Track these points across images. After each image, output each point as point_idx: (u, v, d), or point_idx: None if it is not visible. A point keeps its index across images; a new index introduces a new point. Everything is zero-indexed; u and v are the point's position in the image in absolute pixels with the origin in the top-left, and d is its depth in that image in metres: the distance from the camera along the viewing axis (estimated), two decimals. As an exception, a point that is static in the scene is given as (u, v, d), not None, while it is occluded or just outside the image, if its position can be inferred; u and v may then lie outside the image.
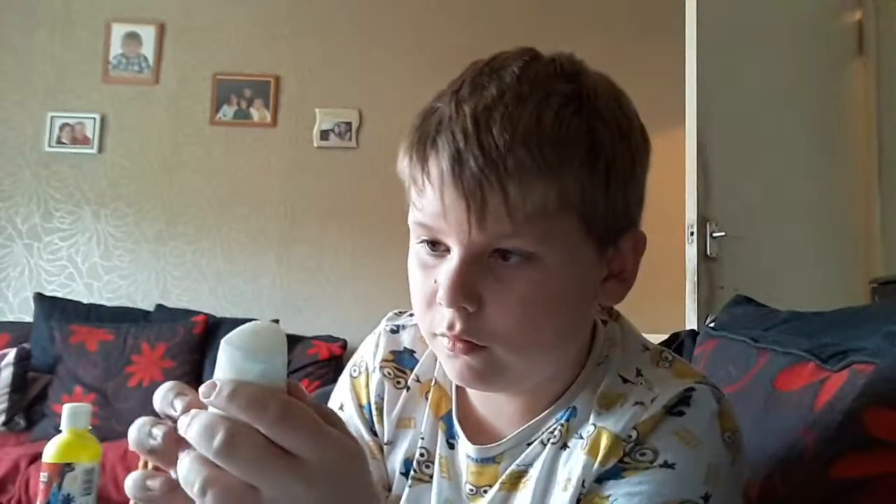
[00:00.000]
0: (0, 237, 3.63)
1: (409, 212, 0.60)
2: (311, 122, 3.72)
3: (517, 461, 0.63)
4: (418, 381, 0.70)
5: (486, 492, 0.64)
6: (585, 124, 0.56)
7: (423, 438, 0.68)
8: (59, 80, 3.72)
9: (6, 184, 3.66)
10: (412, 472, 0.68)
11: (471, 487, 0.64)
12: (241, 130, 3.72)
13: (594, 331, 0.65)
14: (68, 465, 0.87)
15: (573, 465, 0.59)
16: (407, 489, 0.68)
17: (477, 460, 0.64)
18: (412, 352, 0.72)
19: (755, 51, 2.26)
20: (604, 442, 0.58)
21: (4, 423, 2.98)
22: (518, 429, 0.63)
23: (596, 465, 0.57)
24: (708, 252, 2.08)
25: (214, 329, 3.31)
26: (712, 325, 1.11)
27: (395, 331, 0.73)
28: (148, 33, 3.75)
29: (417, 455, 0.68)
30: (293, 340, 3.34)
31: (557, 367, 0.62)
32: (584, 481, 0.57)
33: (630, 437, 0.57)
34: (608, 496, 0.56)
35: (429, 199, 0.56)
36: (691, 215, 2.08)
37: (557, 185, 0.54)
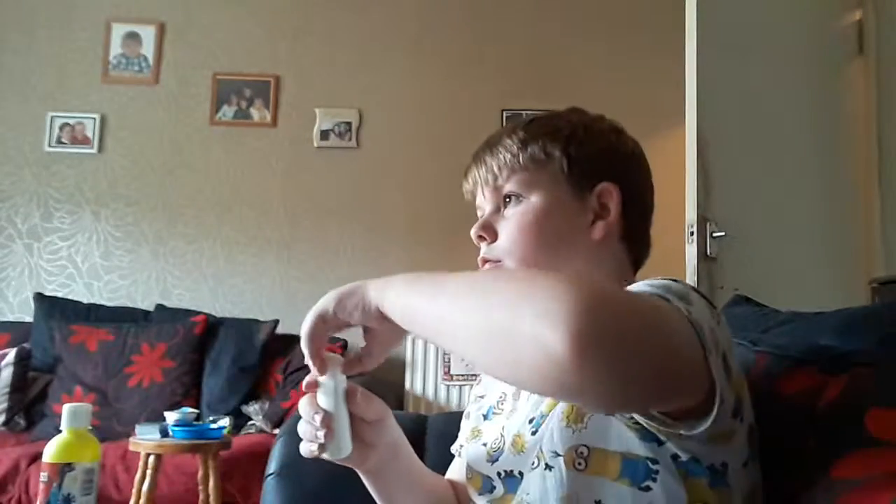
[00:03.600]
0: (0, 237, 3.63)
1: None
2: (311, 122, 3.72)
3: None
4: None
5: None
6: (551, 121, 0.87)
7: (498, 398, 0.90)
8: (59, 80, 3.72)
9: (6, 184, 3.66)
10: (493, 411, 0.90)
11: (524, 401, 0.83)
12: (241, 130, 3.73)
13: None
14: (68, 465, 0.86)
15: None
16: (489, 424, 0.89)
17: None
18: None
19: (755, 51, 2.26)
20: None
21: (4, 423, 2.98)
22: None
23: None
24: (708, 252, 2.07)
25: (214, 329, 3.31)
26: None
27: None
28: (148, 33, 3.75)
29: (497, 397, 0.91)
30: (293, 340, 3.34)
31: None
32: None
33: None
34: None
35: (478, 189, 0.89)
36: (691, 215, 2.08)
37: (528, 151, 0.85)
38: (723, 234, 2.08)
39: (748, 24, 2.25)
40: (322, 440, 0.72)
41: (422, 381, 3.41)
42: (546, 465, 0.71)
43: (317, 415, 0.72)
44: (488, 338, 0.54)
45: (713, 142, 2.10)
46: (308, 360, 0.72)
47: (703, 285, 2.07)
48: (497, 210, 0.86)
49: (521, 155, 0.84)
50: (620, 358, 0.50)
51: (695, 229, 2.06)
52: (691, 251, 2.07)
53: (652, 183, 0.90)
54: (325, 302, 0.71)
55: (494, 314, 0.54)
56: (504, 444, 0.79)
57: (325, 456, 0.74)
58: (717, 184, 2.11)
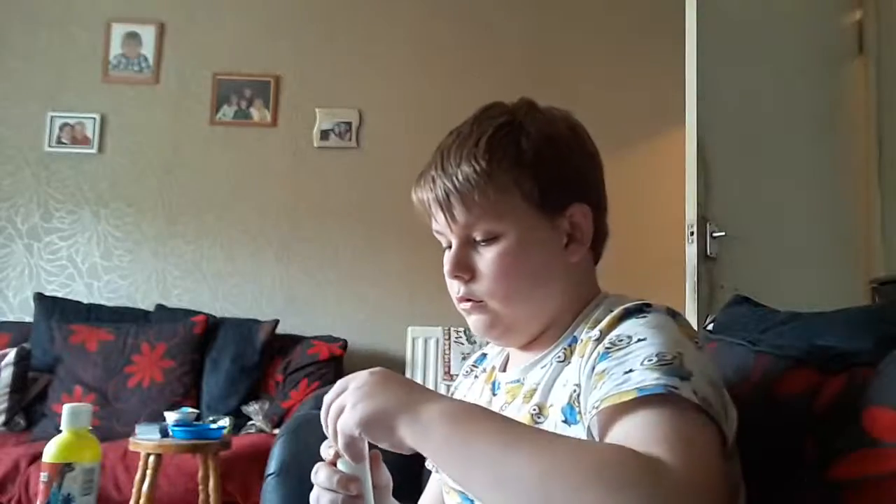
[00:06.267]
0: (0, 237, 3.63)
1: None
2: (311, 122, 3.72)
3: (532, 380, 0.82)
4: (484, 370, 0.95)
5: (510, 403, 0.83)
6: (511, 139, 0.81)
7: (475, 400, 0.89)
8: (59, 80, 3.72)
9: (6, 184, 3.66)
10: None
11: (503, 404, 0.84)
12: (241, 130, 3.73)
13: (597, 293, 0.87)
14: (68, 465, 0.86)
15: (572, 370, 0.76)
16: None
17: (509, 382, 0.86)
18: (485, 354, 0.99)
19: (755, 51, 2.26)
20: (581, 342, 0.77)
21: (4, 423, 2.98)
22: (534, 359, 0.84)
23: (584, 359, 0.73)
24: (708, 252, 2.08)
25: (214, 329, 3.31)
26: (710, 326, 1.11)
27: (482, 345, 1.02)
28: (148, 33, 3.75)
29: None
30: (293, 340, 3.34)
31: (550, 315, 0.83)
32: (578, 384, 0.73)
33: (598, 333, 0.73)
34: (603, 370, 0.68)
35: (433, 216, 0.84)
36: (691, 215, 2.08)
37: (494, 183, 0.79)
38: (723, 234, 2.08)
39: (748, 23, 2.26)
40: None
41: (422, 381, 3.41)
42: None
43: (351, 483, 0.72)
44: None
45: (713, 142, 2.11)
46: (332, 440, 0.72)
47: (703, 285, 2.07)
48: (467, 243, 0.82)
49: (488, 190, 0.79)
50: None
51: (695, 229, 2.06)
52: (691, 251, 2.07)
53: (602, 168, 0.88)
54: (353, 416, 0.67)
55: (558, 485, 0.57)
56: None
57: None
58: (717, 184, 2.11)
